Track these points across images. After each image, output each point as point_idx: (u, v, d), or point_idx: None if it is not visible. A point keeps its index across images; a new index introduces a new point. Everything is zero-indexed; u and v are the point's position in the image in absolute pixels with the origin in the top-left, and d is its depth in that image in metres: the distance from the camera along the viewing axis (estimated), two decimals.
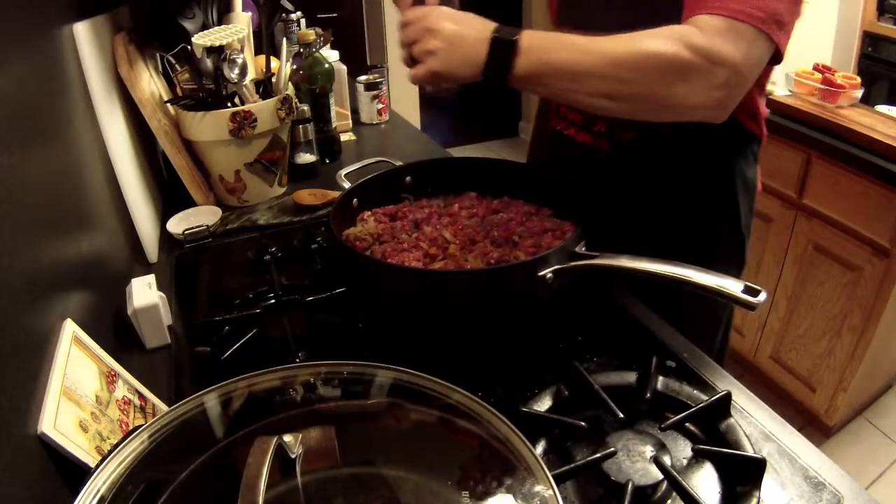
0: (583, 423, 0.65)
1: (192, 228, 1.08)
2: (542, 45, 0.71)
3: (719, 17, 0.67)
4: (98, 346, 0.67)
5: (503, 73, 0.71)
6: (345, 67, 1.73)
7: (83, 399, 0.58)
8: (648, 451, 0.60)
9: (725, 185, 0.97)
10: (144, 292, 0.83)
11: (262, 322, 0.85)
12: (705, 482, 0.61)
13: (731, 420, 0.66)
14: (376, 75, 1.72)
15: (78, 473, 0.52)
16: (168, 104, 1.20)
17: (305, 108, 1.35)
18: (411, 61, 0.76)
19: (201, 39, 1.11)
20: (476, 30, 0.72)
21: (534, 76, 0.71)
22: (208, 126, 1.14)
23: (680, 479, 0.57)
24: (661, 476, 0.57)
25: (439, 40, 0.72)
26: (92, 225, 0.83)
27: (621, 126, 0.94)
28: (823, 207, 1.72)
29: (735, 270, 1.05)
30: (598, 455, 0.59)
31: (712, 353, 1.07)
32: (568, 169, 1.00)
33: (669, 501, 0.59)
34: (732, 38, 0.66)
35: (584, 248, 0.81)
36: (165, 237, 1.12)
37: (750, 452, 0.61)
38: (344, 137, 1.60)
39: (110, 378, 0.66)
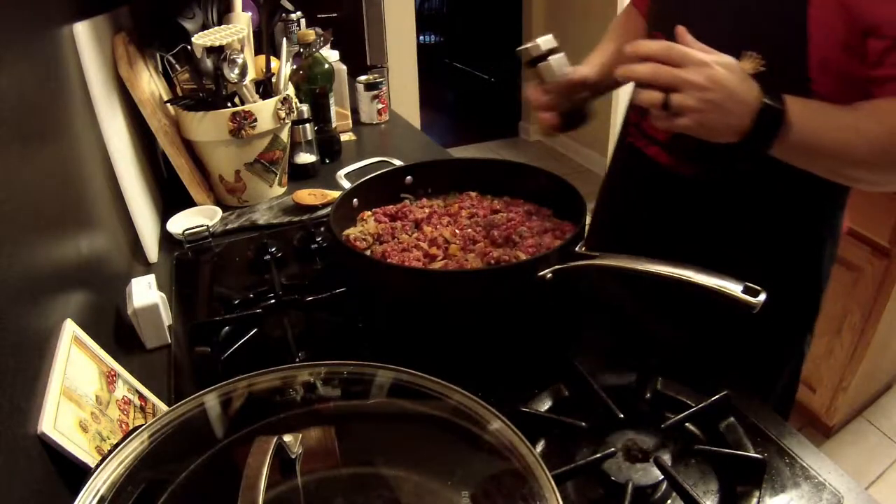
0: (583, 423, 0.65)
1: (192, 228, 1.08)
2: (810, 123, 0.67)
3: None
4: (98, 346, 0.67)
5: (765, 146, 0.68)
6: (345, 67, 1.73)
7: (83, 399, 0.58)
8: (648, 451, 0.60)
9: (812, 232, 0.90)
10: (144, 292, 0.83)
11: (262, 322, 0.85)
12: (705, 482, 0.61)
13: (731, 420, 0.66)
14: (376, 75, 1.73)
15: (78, 473, 0.52)
16: (168, 104, 1.20)
17: (305, 108, 1.35)
18: (664, 108, 0.67)
19: (201, 39, 1.11)
20: (746, 94, 0.66)
21: (795, 153, 0.69)
22: (208, 126, 1.14)
23: (680, 479, 0.57)
24: (661, 476, 0.57)
25: (706, 99, 0.65)
26: (92, 225, 0.83)
27: (734, 154, 0.80)
28: None
29: (808, 319, 0.98)
30: (598, 455, 0.59)
31: (772, 399, 0.98)
32: (640, 189, 0.94)
33: (669, 501, 0.59)
34: None
35: (584, 248, 0.81)
36: (165, 237, 1.12)
37: (750, 452, 0.61)
38: (344, 137, 1.60)
39: (110, 378, 0.66)
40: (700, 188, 0.88)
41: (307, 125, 1.36)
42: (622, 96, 2.97)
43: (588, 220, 0.87)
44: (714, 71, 0.65)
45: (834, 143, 0.68)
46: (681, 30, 0.69)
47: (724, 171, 0.85)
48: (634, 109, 0.98)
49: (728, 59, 0.66)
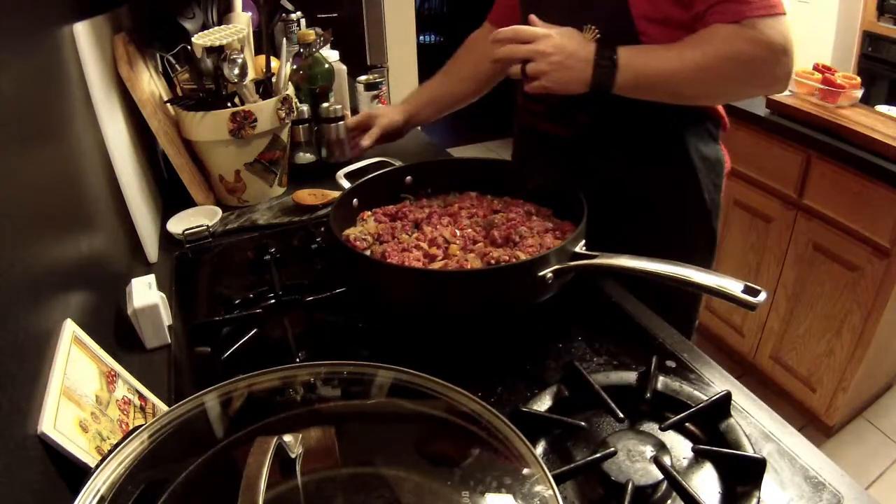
0: (583, 423, 0.65)
1: (192, 228, 1.08)
2: (638, 61, 0.85)
3: (756, 19, 0.82)
4: (98, 346, 0.67)
5: (608, 87, 0.86)
6: (345, 67, 1.73)
7: (83, 399, 0.58)
8: (648, 451, 0.60)
9: (683, 160, 1.04)
10: (144, 292, 0.83)
11: (262, 322, 0.85)
12: (705, 482, 0.61)
13: (731, 420, 0.66)
14: (376, 75, 1.72)
15: (78, 473, 0.52)
16: (168, 104, 1.20)
17: (305, 108, 1.35)
18: (524, 76, 0.88)
19: (201, 39, 1.11)
20: (582, 51, 0.85)
21: (634, 87, 0.87)
22: (208, 126, 1.14)
23: (680, 479, 0.57)
24: (661, 476, 0.57)
25: (552, 62, 0.84)
26: (92, 225, 0.83)
27: (577, 110, 1.02)
28: (823, 207, 1.72)
29: (704, 246, 1.11)
30: (598, 455, 0.59)
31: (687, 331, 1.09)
32: (538, 160, 1.10)
33: (669, 501, 0.59)
34: (773, 30, 0.83)
35: (584, 248, 0.81)
36: (165, 237, 1.12)
37: (750, 452, 0.61)
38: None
39: (110, 378, 0.66)
40: (580, 144, 1.05)
41: (307, 125, 1.36)
42: None
43: None
44: (554, 39, 0.84)
45: (663, 72, 0.86)
46: (532, 17, 0.90)
47: (570, 124, 1.04)
48: (519, 96, 1.13)
49: (567, 29, 0.86)
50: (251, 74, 1.19)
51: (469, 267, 0.82)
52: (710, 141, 1.06)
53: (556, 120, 1.05)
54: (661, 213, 1.06)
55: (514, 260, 0.81)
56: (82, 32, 0.90)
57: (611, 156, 1.04)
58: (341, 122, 1.37)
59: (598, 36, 0.92)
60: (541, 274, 0.76)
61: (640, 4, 0.90)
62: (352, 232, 0.93)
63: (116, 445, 0.47)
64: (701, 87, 0.89)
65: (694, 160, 1.04)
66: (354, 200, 0.98)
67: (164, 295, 0.86)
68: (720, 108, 1.07)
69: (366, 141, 1.27)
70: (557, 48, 0.84)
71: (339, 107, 1.37)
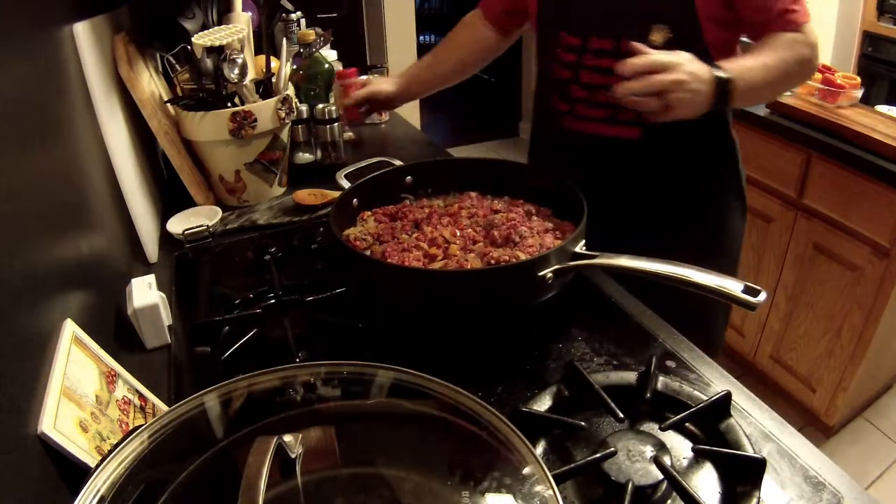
0: (583, 423, 0.65)
1: (192, 228, 1.08)
2: (744, 74, 0.87)
3: (803, 25, 0.93)
4: (98, 346, 0.67)
5: (727, 104, 0.87)
6: (341, 66, 1.73)
7: (83, 399, 0.58)
8: (648, 451, 0.60)
9: (728, 147, 1.11)
10: (144, 292, 0.83)
11: (262, 322, 0.85)
12: (705, 482, 0.61)
13: (731, 420, 0.66)
14: (376, 75, 1.72)
15: (78, 473, 0.52)
16: (168, 104, 1.20)
17: (305, 108, 1.36)
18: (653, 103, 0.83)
19: (201, 39, 1.11)
20: (704, 73, 0.84)
21: (740, 99, 0.88)
22: (208, 126, 1.14)
23: (680, 479, 0.57)
24: (661, 476, 0.57)
25: (690, 89, 0.82)
26: (92, 225, 0.83)
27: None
28: (823, 207, 1.72)
29: (741, 219, 1.18)
30: (598, 455, 0.59)
31: (710, 346, 1.11)
32: (595, 165, 1.06)
33: (669, 501, 0.59)
34: (813, 33, 0.93)
35: (584, 248, 0.81)
36: (165, 237, 1.12)
37: (750, 452, 0.61)
38: (344, 137, 1.60)
39: (110, 378, 0.66)
40: (639, 147, 1.05)
41: (307, 125, 1.36)
42: None
43: None
44: (686, 66, 0.81)
45: (759, 81, 0.90)
46: (636, 45, 0.85)
47: (639, 126, 1.03)
48: (563, 101, 1.10)
49: (682, 53, 0.84)
50: (251, 74, 1.19)
51: (469, 267, 0.82)
52: (736, 162, 1.15)
53: (622, 123, 1.04)
54: (707, 216, 1.12)
55: (514, 260, 0.81)
56: (82, 32, 0.90)
57: (676, 158, 1.06)
58: (336, 124, 1.37)
59: (671, 36, 0.94)
60: (541, 274, 0.76)
61: (706, 7, 0.93)
62: (352, 232, 0.93)
63: (116, 445, 0.47)
64: (777, 90, 0.97)
65: (740, 167, 1.14)
66: (354, 200, 0.98)
67: (164, 295, 0.86)
68: None
69: (348, 100, 1.28)
70: (691, 75, 0.81)
71: (333, 108, 1.37)
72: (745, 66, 0.89)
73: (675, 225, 1.09)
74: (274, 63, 1.28)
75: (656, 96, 0.81)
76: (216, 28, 1.18)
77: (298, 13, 1.70)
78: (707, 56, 0.95)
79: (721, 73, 0.85)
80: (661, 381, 0.71)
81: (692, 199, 1.10)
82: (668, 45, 0.93)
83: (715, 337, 1.22)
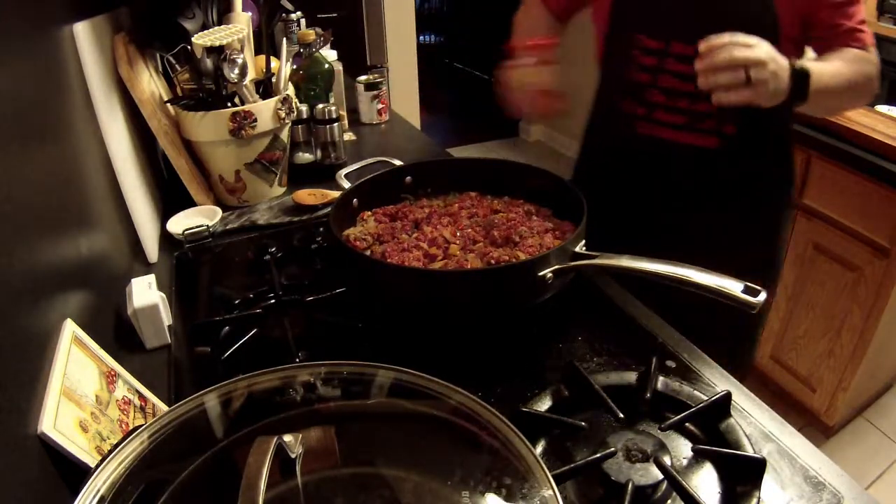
0: (583, 423, 0.65)
1: (192, 228, 1.08)
2: (819, 72, 0.86)
3: (868, 46, 0.95)
4: (98, 346, 0.67)
5: (803, 97, 0.85)
6: (341, 68, 1.73)
7: (83, 399, 0.58)
8: (648, 451, 0.60)
9: (790, 166, 1.12)
10: (144, 292, 0.83)
11: (262, 322, 0.85)
12: (705, 482, 0.61)
13: (731, 420, 0.66)
14: (376, 75, 1.72)
15: (78, 473, 0.52)
16: (168, 104, 1.20)
17: (305, 108, 1.35)
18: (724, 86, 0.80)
19: (201, 39, 1.11)
20: (783, 61, 0.82)
21: (812, 99, 0.86)
22: (208, 126, 1.14)
23: (680, 479, 0.57)
24: (661, 476, 0.57)
25: (770, 70, 0.79)
26: (92, 225, 0.83)
27: (725, 120, 1.01)
28: (823, 207, 1.72)
29: (786, 236, 1.20)
30: (598, 455, 0.59)
31: (738, 365, 1.11)
32: (664, 171, 1.06)
33: (669, 501, 0.59)
34: (875, 56, 0.96)
35: (584, 248, 0.81)
36: (165, 237, 1.12)
37: (750, 452, 0.61)
38: (344, 137, 1.60)
39: (110, 378, 0.66)
40: (714, 156, 1.04)
41: (307, 125, 1.36)
42: None
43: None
44: (768, 49, 0.80)
45: (831, 86, 0.88)
46: (725, 35, 0.81)
47: (717, 135, 1.02)
48: (640, 105, 1.07)
49: (758, 38, 0.81)
50: (251, 74, 1.19)
51: (469, 267, 0.82)
52: (792, 185, 1.15)
53: (700, 131, 1.02)
54: (762, 233, 1.13)
55: (514, 260, 0.81)
56: (82, 32, 0.90)
57: (747, 170, 1.06)
58: (336, 124, 1.37)
59: None
60: (541, 274, 0.76)
61: (790, 28, 0.94)
62: (352, 232, 0.93)
63: (116, 445, 0.47)
64: (843, 101, 0.97)
65: (794, 186, 1.15)
66: (354, 200, 0.98)
67: (164, 295, 0.86)
68: None
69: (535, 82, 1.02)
70: (772, 59, 0.79)
71: (333, 108, 1.37)
72: (819, 66, 0.88)
73: (729, 238, 1.08)
74: (274, 63, 1.28)
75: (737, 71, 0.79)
76: (216, 28, 1.18)
77: (298, 13, 1.70)
78: None
79: (800, 65, 0.84)
80: (661, 381, 0.71)
81: (752, 213, 1.09)
82: None
83: (745, 358, 1.22)
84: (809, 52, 1.01)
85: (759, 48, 0.79)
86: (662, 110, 1.04)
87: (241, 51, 1.16)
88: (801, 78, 0.84)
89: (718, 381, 0.74)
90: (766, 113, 0.87)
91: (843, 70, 0.91)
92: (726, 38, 0.79)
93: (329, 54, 1.69)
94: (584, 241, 0.82)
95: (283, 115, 1.20)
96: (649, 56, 1.02)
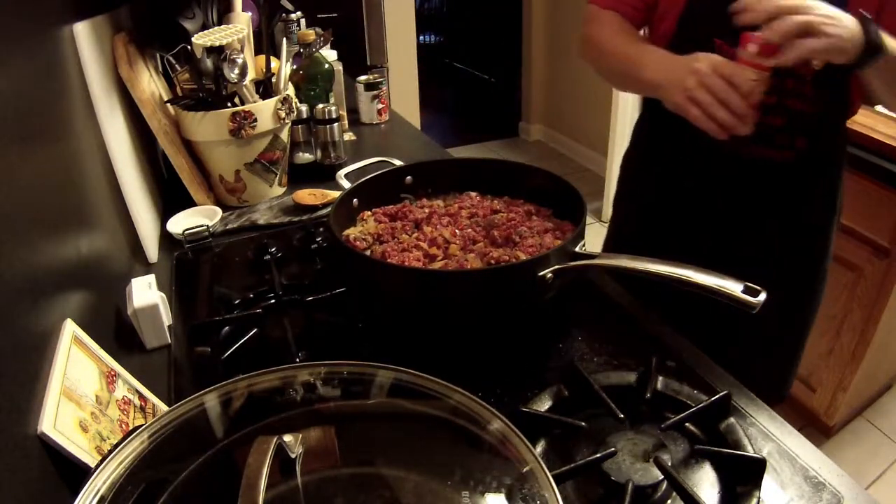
0: (583, 423, 0.65)
1: (192, 228, 1.08)
2: (891, 42, 0.77)
3: None
4: (98, 346, 0.67)
5: (880, 51, 0.76)
6: (341, 68, 1.73)
7: (83, 399, 0.58)
8: (648, 451, 0.60)
9: (840, 187, 1.06)
10: (144, 292, 0.83)
11: (262, 322, 0.85)
12: (705, 482, 0.61)
13: (731, 420, 0.66)
14: (376, 75, 1.72)
15: (78, 473, 0.52)
16: (168, 104, 1.20)
17: (305, 108, 1.36)
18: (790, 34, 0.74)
19: (201, 39, 1.11)
20: (847, 19, 0.75)
21: (886, 68, 0.78)
22: (208, 126, 1.14)
23: (680, 479, 0.57)
24: (661, 476, 0.57)
25: (832, 30, 0.73)
26: (92, 225, 0.83)
27: (796, 133, 0.95)
28: None
29: (811, 311, 1.17)
30: (598, 455, 0.59)
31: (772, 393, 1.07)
32: (730, 185, 1.02)
33: (669, 501, 0.59)
34: None
35: (584, 248, 0.81)
36: (165, 237, 1.12)
37: (750, 452, 0.61)
38: (344, 137, 1.60)
39: (110, 378, 0.66)
40: (787, 171, 0.99)
41: (307, 125, 1.36)
42: (626, 97, 2.97)
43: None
44: (824, 8, 0.73)
45: None
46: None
47: (789, 148, 0.97)
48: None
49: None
50: (251, 74, 1.19)
51: (469, 267, 0.82)
52: (839, 211, 1.10)
53: (772, 144, 0.97)
54: (814, 253, 1.09)
55: (514, 260, 0.81)
56: (82, 32, 0.90)
57: (826, 181, 1.02)
58: (336, 124, 1.37)
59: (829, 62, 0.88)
60: (541, 274, 0.76)
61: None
62: (352, 232, 0.93)
63: (116, 445, 0.47)
64: None
65: (830, 228, 1.09)
66: (354, 200, 0.98)
67: (164, 295, 0.86)
68: None
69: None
70: (830, 17, 0.73)
71: (333, 108, 1.37)
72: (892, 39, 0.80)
73: (775, 259, 1.05)
74: (274, 63, 1.28)
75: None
76: (216, 28, 1.18)
77: (298, 13, 1.70)
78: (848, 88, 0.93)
79: (872, 24, 0.76)
80: (661, 381, 0.71)
81: (808, 232, 1.06)
82: (827, 70, 0.86)
83: (782, 382, 1.18)
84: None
85: (811, 11, 0.73)
86: (764, 125, 0.95)
87: (241, 51, 1.16)
88: (875, 39, 0.76)
89: (718, 381, 0.74)
90: (834, 128, 0.85)
91: None
92: (772, 5, 0.73)
93: (329, 54, 1.69)
94: (584, 241, 0.82)
95: (283, 115, 1.20)
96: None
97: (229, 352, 0.80)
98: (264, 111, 1.16)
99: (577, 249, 0.80)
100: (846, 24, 0.75)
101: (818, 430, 1.91)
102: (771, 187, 1.01)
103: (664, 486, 0.59)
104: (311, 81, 1.47)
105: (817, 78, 0.91)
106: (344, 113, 1.71)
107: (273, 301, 0.90)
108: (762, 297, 0.65)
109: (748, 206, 1.03)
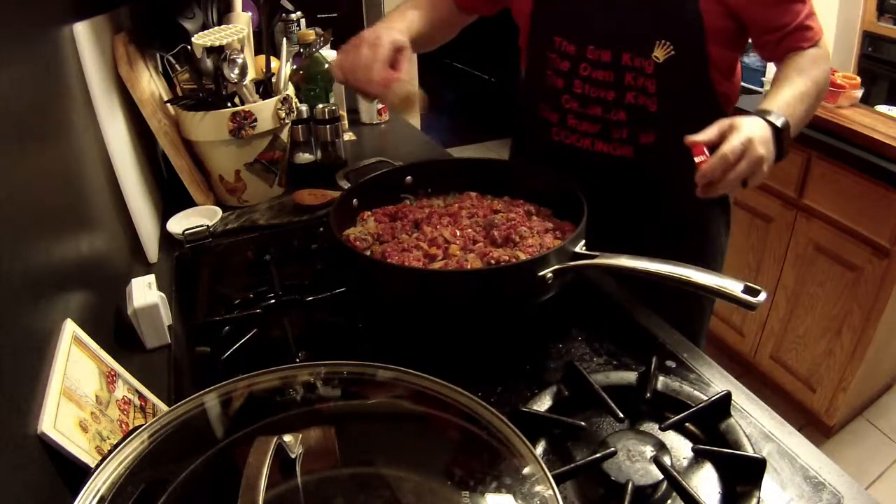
0: (583, 423, 0.65)
1: (192, 228, 1.08)
2: (790, 112, 0.84)
3: (819, 42, 0.92)
4: (98, 346, 0.67)
5: (783, 154, 0.84)
6: None
7: (83, 399, 0.58)
8: (648, 451, 0.60)
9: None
10: (144, 292, 0.83)
11: (262, 322, 0.85)
12: (705, 482, 0.61)
13: (731, 420, 0.66)
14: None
15: (78, 473, 0.52)
16: (168, 104, 1.20)
17: (305, 108, 1.36)
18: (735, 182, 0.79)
19: (201, 39, 1.11)
20: (766, 133, 0.79)
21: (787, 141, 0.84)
22: (208, 126, 1.14)
23: (680, 479, 0.57)
24: (661, 476, 0.57)
25: (768, 163, 0.79)
26: (92, 225, 0.83)
27: (641, 131, 0.98)
28: (823, 207, 1.72)
29: (725, 233, 1.15)
30: (598, 455, 0.59)
31: (695, 336, 1.10)
32: (582, 179, 0.99)
33: (669, 501, 0.59)
34: (826, 48, 0.93)
35: (584, 248, 0.81)
36: (165, 237, 1.12)
37: (750, 452, 0.61)
38: (344, 137, 1.60)
39: (110, 378, 0.66)
40: (630, 165, 1.02)
41: (307, 125, 1.36)
42: None
43: None
44: (753, 137, 0.76)
45: (801, 114, 0.87)
46: (689, 139, 0.78)
47: (632, 145, 1.01)
48: (553, 111, 1.05)
49: (741, 119, 0.78)
50: (251, 74, 1.19)
51: (469, 267, 0.82)
52: None
53: (613, 141, 1.00)
54: (693, 231, 1.10)
55: (514, 260, 0.81)
56: (82, 32, 0.90)
57: (667, 175, 1.01)
58: (336, 124, 1.37)
59: (673, 53, 0.91)
60: (541, 274, 0.76)
61: (714, 25, 0.90)
62: (352, 232, 0.93)
63: (116, 445, 0.47)
64: (811, 115, 0.92)
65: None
66: (354, 200, 0.98)
67: (164, 295, 0.86)
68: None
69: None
70: (763, 144, 0.77)
71: (333, 108, 1.37)
72: (785, 101, 0.85)
73: (660, 240, 1.03)
74: (274, 63, 1.28)
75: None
76: (216, 28, 1.18)
77: (298, 13, 1.70)
78: (706, 74, 0.94)
79: (776, 121, 0.81)
80: (661, 381, 0.71)
81: (679, 214, 1.06)
82: (670, 62, 0.91)
83: (699, 327, 1.18)
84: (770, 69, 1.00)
85: (749, 148, 0.75)
86: (575, 117, 1.01)
87: (241, 51, 1.16)
88: (782, 135, 0.81)
89: (718, 381, 0.74)
90: (680, 123, 0.83)
91: (806, 88, 0.87)
92: (717, 162, 0.75)
93: (329, 54, 1.68)
94: (584, 241, 0.82)
95: (283, 115, 1.20)
96: (565, 60, 0.98)
97: (229, 352, 0.80)
98: (264, 111, 1.16)
99: (577, 249, 0.80)
100: (764, 148, 0.77)
101: (818, 430, 1.91)
102: (616, 182, 1.03)
103: (664, 486, 0.59)
104: (311, 81, 1.47)
105: (659, 72, 0.93)
106: (344, 113, 1.71)
107: (273, 301, 0.90)
108: (762, 296, 0.65)
109: (611, 201, 1.01)
